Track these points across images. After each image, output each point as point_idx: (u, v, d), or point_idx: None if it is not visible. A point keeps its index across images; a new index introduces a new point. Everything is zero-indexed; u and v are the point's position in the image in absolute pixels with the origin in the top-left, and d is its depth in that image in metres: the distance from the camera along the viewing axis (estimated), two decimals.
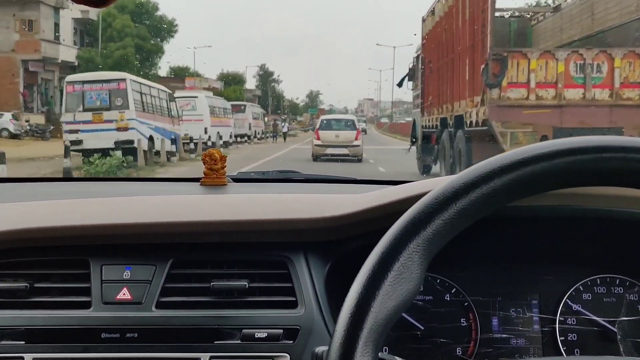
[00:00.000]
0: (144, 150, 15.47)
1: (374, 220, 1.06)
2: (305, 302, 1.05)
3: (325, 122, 20.39)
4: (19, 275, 1.07)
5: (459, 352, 1.15)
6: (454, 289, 1.18)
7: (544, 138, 9.38)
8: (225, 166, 1.54)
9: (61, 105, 16.98)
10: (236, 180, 1.64)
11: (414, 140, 16.05)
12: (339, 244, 1.11)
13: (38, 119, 26.73)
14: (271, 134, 36.84)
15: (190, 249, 1.11)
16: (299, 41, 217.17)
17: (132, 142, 15.12)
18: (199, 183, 1.54)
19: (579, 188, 0.69)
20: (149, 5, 35.31)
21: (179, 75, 40.54)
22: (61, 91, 15.90)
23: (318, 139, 19.16)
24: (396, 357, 0.71)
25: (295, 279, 1.07)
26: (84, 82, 15.87)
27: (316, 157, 18.69)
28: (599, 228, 1.12)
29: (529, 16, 14.66)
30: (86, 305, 1.04)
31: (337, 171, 7.87)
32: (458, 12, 11.83)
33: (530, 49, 10.21)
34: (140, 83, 17.09)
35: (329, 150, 18.65)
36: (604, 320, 1.15)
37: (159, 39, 35.65)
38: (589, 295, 1.18)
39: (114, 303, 1.04)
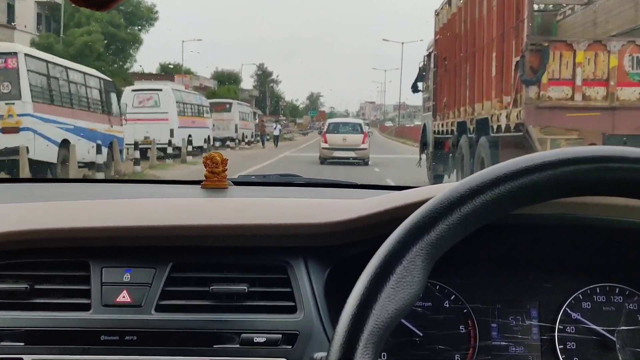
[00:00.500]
0: (49, 163, 11.03)
1: (375, 227, 1.06)
2: (304, 307, 1.05)
3: (332, 125, 20.43)
4: (19, 276, 1.07)
5: (458, 359, 1.15)
6: (453, 296, 1.18)
7: None
8: (227, 169, 1.55)
9: None
10: (237, 183, 1.65)
11: (424, 146, 14.57)
12: (339, 249, 1.11)
13: None
14: (266, 137, 32.79)
15: (191, 252, 1.11)
16: (299, 42, 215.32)
17: (16, 151, 10.09)
18: (200, 186, 1.55)
19: (580, 197, 0.72)
20: None
21: (169, 73, 37.70)
22: None
23: (325, 142, 19.31)
24: None
25: (295, 283, 1.07)
26: None
27: (323, 160, 18.82)
28: (600, 237, 1.12)
29: (555, 10, 12.95)
30: (86, 308, 1.04)
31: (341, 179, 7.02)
32: None
33: (576, 38, 8.51)
34: (48, 62, 11.86)
35: (336, 153, 18.76)
36: (603, 329, 1.15)
37: (136, 28, 30.85)
38: (588, 304, 1.18)
39: (113, 305, 1.04)
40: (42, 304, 1.05)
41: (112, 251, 1.10)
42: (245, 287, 1.05)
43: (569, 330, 1.17)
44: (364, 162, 18.96)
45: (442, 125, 13.29)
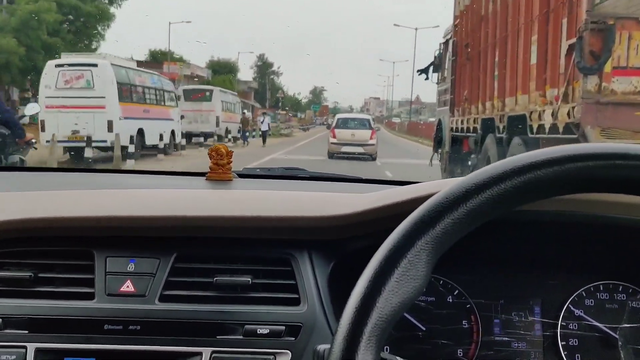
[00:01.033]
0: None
1: (379, 221, 1.06)
2: (308, 300, 1.05)
3: (341, 120, 20.48)
4: (23, 264, 1.08)
5: (460, 354, 1.15)
6: (457, 291, 1.18)
7: None
8: (232, 161, 1.55)
9: None
10: (242, 176, 1.66)
11: (439, 144, 12.93)
12: (343, 243, 1.11)
13: None
14: (249, 133, 26.84)
15: (195, 243, 1.11)
16: (302, 33, 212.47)
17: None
18: (205, 178, 1.55)
19: (585, 194, 0.70)
20: None
21: (159, 61, 34.96)
22: None
23: (334, 137, 19.34)
24: (397, 357, 0.71)
25: (299, 276, 1.07)
26: None
27: (332, 155, 18.86)
28: (604, 234, 1.13)
29: None
30: (90, 297, 1.05)
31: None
32: None
33: None
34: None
35: (345, 149, 18.82)
36: (605, 327, 1.15)
37: (104, 0, 25.28)
38: (591, 301, 1.18)
39: (117, 295, 1.05)
40: (46, 293, 1.05)
41: (117, 241, 1.10)
42: (249, 279, 1.06)
43: (571, 327, 1.17)
44: (371, 157, 19.01)
45: (462, 122, 11.61)
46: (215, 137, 22.61)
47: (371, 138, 19.52)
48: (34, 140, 6.08)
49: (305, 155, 19.87)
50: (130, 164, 13.18)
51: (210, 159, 1.54)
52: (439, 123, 13.41)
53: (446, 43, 13.37)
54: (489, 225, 0.69)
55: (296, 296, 1.06)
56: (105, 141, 13.67)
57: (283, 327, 1.02)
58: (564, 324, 1.17)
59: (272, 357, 1.00)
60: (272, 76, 72.50)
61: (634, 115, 6.31)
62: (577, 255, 1.18)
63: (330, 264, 1.10)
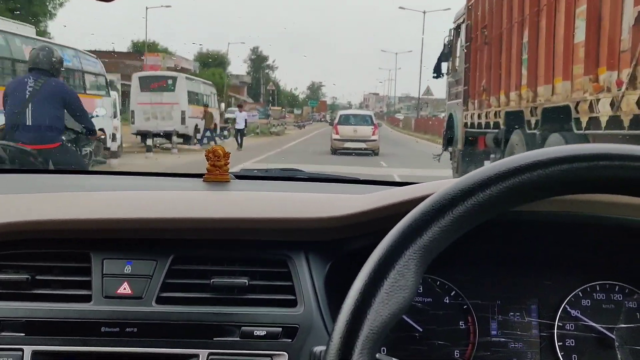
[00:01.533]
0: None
1: (376, 222, 1.06)
2: (305, 301, 1.05)
3: (343, 117, 20.78)
4: (20, 267, 1.08)
5: (457, 354, 1.15)
6: (454, 292, 1.18)
7: None
8: (229, 163, 1.56)
9: None
10: (239, 177, 1.65)
11: (449, 142, 11.66)
12: (340, 244, 1.11)
13: None
14: (219, 134, 21.10)
15: (192, 245, 1.11)
16: (301, 26, 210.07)
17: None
18: (202, 179, 1.55)
19: (579, 195, 0.69)
20: None
21: (142, 51, 32.97)
22: None
23: (337, 133, 19.61)
24: (393, 358, 0.71)
25: (296, 277, 1.07)
26: None
27: (335, 151, 19.17)
28: (600, 235, 1.13)
29: None
30: (87, 299, 1.05)
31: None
32: None
33: None
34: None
35: (347, 145, 19.14)
36: (602, 327, 1.16)
37: None
38: (588, 302, 1.19)
39: (114, 297, 1.05)
40: (43, 295, 1.05)
41: (114, 243, 1.10)
42: (246, 281, 1.06)
43: (568, 328, 1.17)
44: (373, 152, 19.27)
45: (478, 117, 10.15)
46: (180, 138, 17.93)
47: (373, 134, 19.80)
48: (102, 137, 7.03)
49: (294, 161, 14.14)
50: None
51: (208, 161, 1.54)
52: (450, 118, 12.09)
53: (457, 28, 12.03)
54: (486, 226, 0.69)
55: (293, 298, 1.06)
56: None
57: (280, 329, 1.02)
58: (561, 324, 1.17)
59: (268, 358, 1.00)
60: (267, 70, 69.82)
61: None
62: (573, 256, 1.19)
63: (327, 265, 1.11)
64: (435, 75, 12.98)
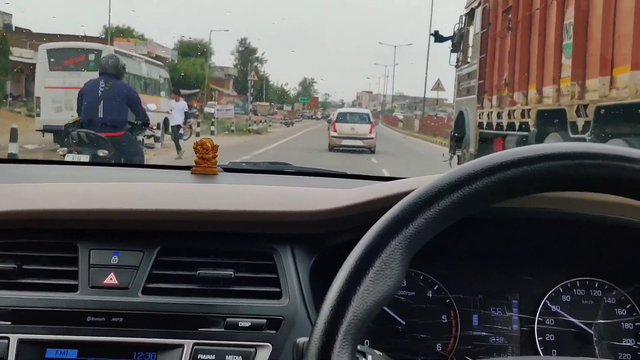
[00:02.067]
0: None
1: (360, 216, 1.07)
2: (290, 294, 1.06)
3: (341, 115, 21.19)
4: (7, 256, 1.08)
5: (439, 348, 1.17)
6: (437, 286, 1.20)
7: None
8: (217, 155, 1.55)
9: None
10: (227, 170, 1.66)
11: (458, 144, 10.38)
12: (325, 237, 1.12)
13: None
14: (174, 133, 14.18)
15: (178, 236, 1.12)
16: (292, 23, 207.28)
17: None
18: (190, 172, 1.56)
19: (562, 192, 0.72)
20: None
21: (115, 37, 30.71)
22: None
23: (335, 130, 19.94)
24: (375, 351, 0.71)
25: (281, 270, 1.08)
26: None
27: (332, 148, 19.49)
28: (581, 232, 1.14)
29: None
30: (73, 289, 1.05)
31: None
32: None
33: None
34: None
35: (345, 142, 19.37)
36: (581, 322, 1.17)
37: None
38: (568, 297, 1.20)
39: (100, 287, 1.05)
40: (29, 284, 1.06)
41: (101, 234, 1.11)
42: (232, 272, 1.06)
43: (548, 323, 1.19)
44: (370, 150, 19.54)
45: (498, 115, 8.63)
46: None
47: (370, 132, 20.02)
48: (154, 127, 8.37)
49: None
50: None
51: (196, 153, 1.53)
52: (459, 117, 10.69)
53: (471, 13, 10.50)
54: (468, 221, 0.71)
55: (278, 290, 1.07)
56: None
57: (264, 320, 1.02)
58: (541, 319, 1.19)
59: (253, 349, 1.00)
60: (255, 63, 65.99)
61: None
62: (554, 252, 1.21)
63: (312, 258, 1.11)
64: (435, 38, 11.18)
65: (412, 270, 1.19)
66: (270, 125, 32.51)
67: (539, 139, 6.92)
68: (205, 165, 1.53)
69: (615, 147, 0.66)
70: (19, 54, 24.82)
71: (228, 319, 1.01)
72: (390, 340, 1.15)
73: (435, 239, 0.67)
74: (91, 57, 13.59)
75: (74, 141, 5.57)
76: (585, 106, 5.84)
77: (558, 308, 1.19)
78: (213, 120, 23.63)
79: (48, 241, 1.10)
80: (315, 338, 0.63)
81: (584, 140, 5.76)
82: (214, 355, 0.99)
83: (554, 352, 1.17)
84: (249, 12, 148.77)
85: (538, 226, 1.13)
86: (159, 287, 1.06)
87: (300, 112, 64.94)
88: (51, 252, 1.09)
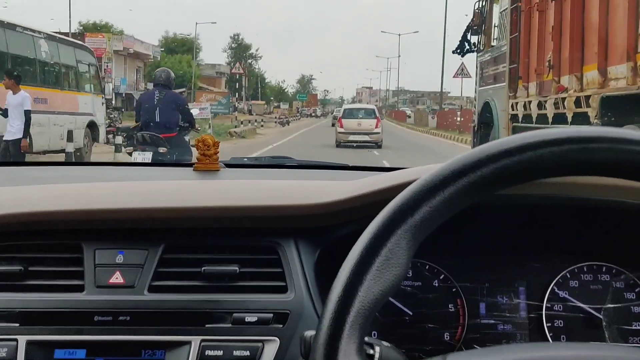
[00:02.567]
0: None
1: (364, 207, 1.07)
2: (295, 287, 1.06)
3: (347, 111, 21.57)
4: (13, 258, 1.09)
5: (447, 337, 1.17)
6: (443, 275, 1.20)
7: None
8: (218, 152, 1.57)
9: None
10: (229, 165, 1.66)
11: (482, 138, 9.16)
12: (329, 230, 1.12)
13: None
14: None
15: (183, 234, 1.12)
16: (286, 16, 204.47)
17: None
18: (192, 168, 1.57)
19: (567, 177, 0.70)
20: None
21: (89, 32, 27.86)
22: None
23: (341, 126, 20.33)
24: (383, 342, 0.71)
25: (286, 264, 1.08)
26: None
27: (339, 144, 19.97)
28: (587, 216, 1.15)
29: None
30: (79, 289, 1.06)
31: None
32: None
33: None
34: None
35: (352, 137, 19.85)
36: (590, 307, 1.17)
37: None
38: (575, 283, 1.20)
39: (106, 287, 1.06)
40: (36, 286, 1.06)
41: (105, 233, 1.11)
42: (237, 268, 1.06)
43: (556, 309, 1.18)
44: (376, 145, 19.96)
45: (539, 105, 7.20)
46: None
47: (376, 127, 20.36)
48: (199, 128, 9.13)
49: None
50: None
51: (198, 150, 1.54)
52: (484, 108, 9.36)
53: None
54: (473, 209, 0.71)
55: (283, 284, 1.07)
56: None
57: (271, 315, 1.02)
58: (549, 305, 1.18)
59: (260, 344, 1.00)
60: (249, 60, 62.38)
61: None
62: (561, 238, 1.20)
63: (316, 251, 1.11)
64: (459, 51, 10.32)
65: (417, 260, 1.18)
66: (261, 126, 29.52)
67: None
68: (207, 161, 1.54)
69: (619, 129, 0.65)
70: None
71: (235, 315, 1.02)
72: (397, 331, 1.15)
73: (440, 227, 0.68)
74: None
75: (139, 142, 6.87)
76: None
77: (566, 294, 1.19)
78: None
79: (53, 242, 1.10)
80: (322, 329, 0.64)
81: None
82: (221, 351, 0.99)
83: (563, 337, 1.17)
84: (241, 5, 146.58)
85: (543, 212, 1.14)
86: (164, 285, 1.06)
87: (299, 110, 63.15)
88: (56, 253, 1.10)
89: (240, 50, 61.66)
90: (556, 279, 1.19)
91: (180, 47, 41.54)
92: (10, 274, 1.05)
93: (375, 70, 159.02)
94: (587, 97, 5.90)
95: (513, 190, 0.73)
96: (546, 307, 1.18)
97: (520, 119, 7.80)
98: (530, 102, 7.44)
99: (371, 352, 0.67)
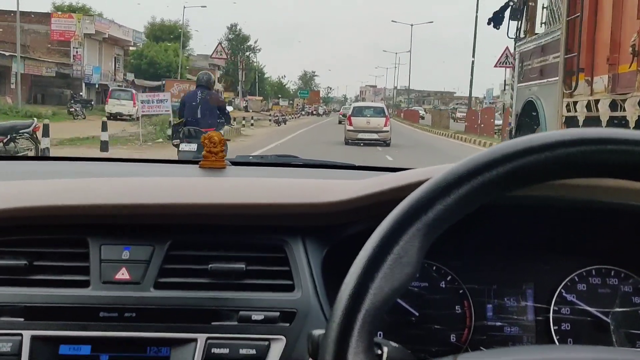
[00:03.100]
0: None
1: (371, 207, 1.07)
2: (302, 286, 1.06)
3: (356, 109, 21.76)
4: (18, 253, 1.09)
5: (453, 338, 1.17)
6: (450, 277, 1.20)
7: None
8: (225, 149, 1.58)
9: None
10: (235, 163, 1.68)
11: (519, 135, 7.42)
12: (337, 229, 1.12)
13: None
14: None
15: (189, 230, 1.12)
16: (292, 15, 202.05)
17: None
18: (198, 165, 1.57)
19: (578, 179, 0.70)
20: None
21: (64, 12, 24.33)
22: None
23: (350, 124, 20.64)
24: (391, 342, 0.71)
25: (293, 262, 1.09)
26: None
27: (348, 141, 20.25)
28: (596, 219, 1.15)
29: None
30: (85, 284, 1.06)
31: None
32: None
33: None
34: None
35: (361, 135, 20.07)
36: (597, 311, 1.17)
37: None
38: (583, 286, 1.20)
39: (112, 282, 1.06)
40: (41, 281, 1.06)
41: (111, 229, 1.11)
42: (244, 266, 1.06)
43: (563, 312, 1.18)
44: (385, 143, 20.23)
45: (611, 106, 5.83)
46: None
47: (385, 125, 20.56)
48: (234, 124, 10.53)
49: None
50: None
51: (204, 147, 1.55)
52: (525, 108, 8.14)
53: None
54: (482, 210, 0.71)
55: (290, 282, 1.07)
56: None
57: (277, 313, 1.02)
58: (557, 308, 1.18)
59: (266, 342, 1.00)
60: (247, 52, 58.42)
61: None
62: (569, 240, 1.20)
63: (323, 250, 1.11)
64: (493, 24, 8.54)
65: (425, 261, 1.13)
66: (251, 125, 26.39)
67: None
68: (213, 158, 1.54)
69: (636, 131, 0.64)
70: None
71: (241, 313, 1.02)
72: (403, 331, 1.15)
73: (448, 228, 0.67)
74: None
75: (185, 135, 7.96)
76: None
77: (574, 297, 1.19)
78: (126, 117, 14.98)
79: (58, 237, 1.10)
80: (332, 327, 0.63)
81: None
82: (227, 349, 0.99)
83: (570, 341, 1.17)
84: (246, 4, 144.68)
85: (552, 214, 1.14)
86: (170, 282, 1.06)
87: (301, 107, 62.03)
88: (62, 248, 1.09)
89: (238, 42, 57.47)
90: (564, 282, 1.19)
91: (167, 35, 37.23)
92: (15, 268, 1.06)
93: (381, 67, 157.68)
94: None
95: (523, 192, 0.73)
96: (553, 310, 1.18)
97: (580, 123, 6.33)
98: (597, 101, 5.96)
99: (379, 352, 0.67)
